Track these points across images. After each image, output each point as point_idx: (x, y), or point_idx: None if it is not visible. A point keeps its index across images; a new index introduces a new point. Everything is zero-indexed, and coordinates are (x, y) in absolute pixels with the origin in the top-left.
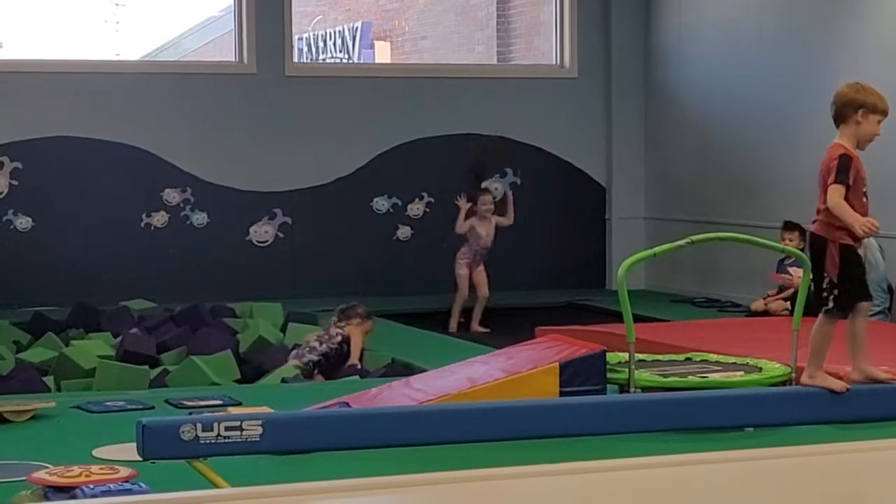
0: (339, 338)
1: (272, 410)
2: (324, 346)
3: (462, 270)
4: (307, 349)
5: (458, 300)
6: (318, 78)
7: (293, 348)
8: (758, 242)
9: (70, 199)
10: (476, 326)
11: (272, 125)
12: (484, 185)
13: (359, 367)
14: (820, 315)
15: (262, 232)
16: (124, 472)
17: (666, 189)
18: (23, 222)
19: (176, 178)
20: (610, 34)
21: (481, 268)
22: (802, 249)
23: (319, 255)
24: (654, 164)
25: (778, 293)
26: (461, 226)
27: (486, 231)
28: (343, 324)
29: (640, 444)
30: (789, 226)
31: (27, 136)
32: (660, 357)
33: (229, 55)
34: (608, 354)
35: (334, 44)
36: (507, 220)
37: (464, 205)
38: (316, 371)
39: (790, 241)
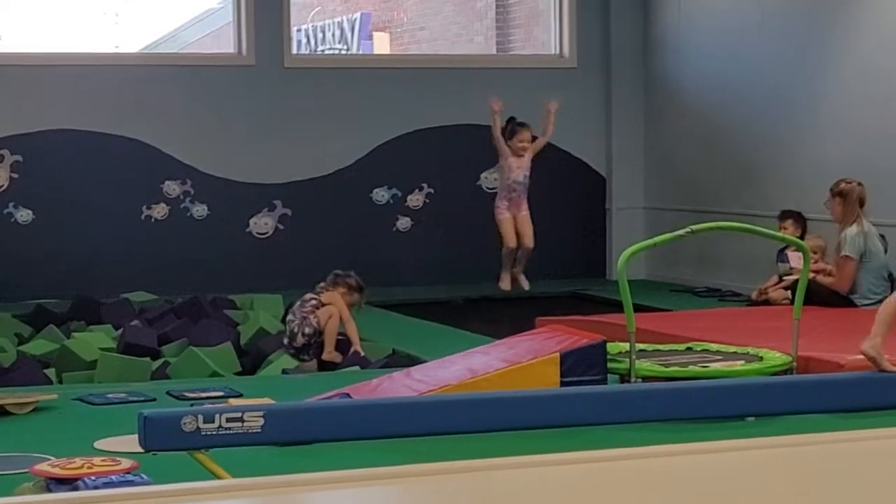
0: (314, 302)
1: (273, 402)
2: (303, 320)
3: (502, 215)
4: (291, 333)
5: (506, 251)
6: (318, 69)
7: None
8: (758, 231)
9: (70, 192)
10: (522, 280)
11: (271, 117)
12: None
13: (361, 354)
14: None
15: (262, 223)
16: (126, 463)
17: (666, 179)
18: (23, 215)
19: (176, 170)
20: (609, 24)
21: (525, 213)
22: (801, 238)
23: (319, 247)
24: (654, 153)
25: (778, 282)
26: (497, 131)
27: (517, 163)
28: (322, 289)
29: (641, 434)
30: (785, 214)
31: (27, 129)
32: (660, 347)
33: (228, 47)
34: (609, 344)
35: (333, 35)
36: (544, 138)
37: (497, 104)
38: (311, 354)
39: (785, 229)
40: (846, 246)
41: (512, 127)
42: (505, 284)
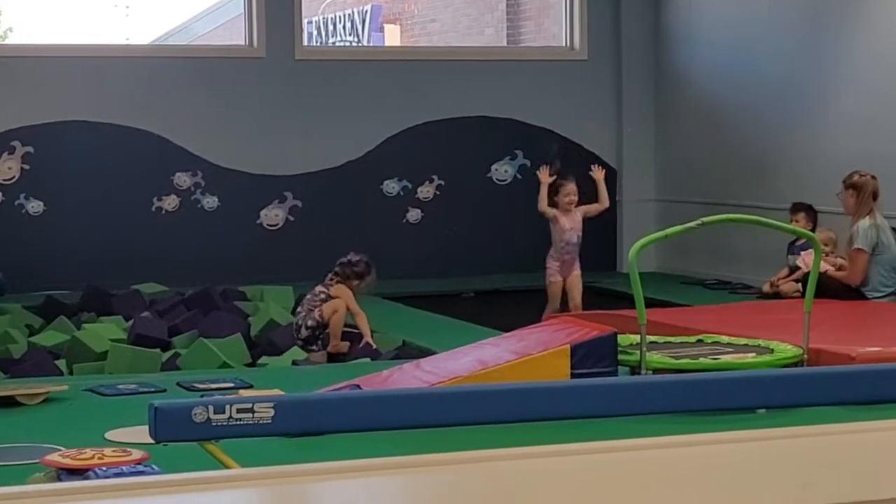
0: (322, 296)
1: (283, 393)
2: (309, 313)
3: (553, 277)
4: (297, 326)
5: (550, 311)
6: (328, 61)
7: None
8: (769, 224)
9: (82, 183)
10: None
11: (282, 109)
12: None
13: (373, 346)
14: None
15: (273, 215)
16: (136, 454)
17: (677, 171)
18: (35, 206)
19: (187, 162)
20: (620, 16)
21: (576, 272)
22: (812, 230)
23: (330, 238)
24: (665, 146)
25: (789, 275)
26: (543, 203)
27: (570, 223)
28: (331, 281)
29: (651, 426)
30: (797, 207)
31: (38, 120)
32: (671, 339)
33: (239, 39)
34: (619, 336)
35: (344, 27)
36: (601, 205)
37: (544, 176)
38: (319, 346)
39: (797, 222)
40: (858, 238)
41: (557, 183)
42: None
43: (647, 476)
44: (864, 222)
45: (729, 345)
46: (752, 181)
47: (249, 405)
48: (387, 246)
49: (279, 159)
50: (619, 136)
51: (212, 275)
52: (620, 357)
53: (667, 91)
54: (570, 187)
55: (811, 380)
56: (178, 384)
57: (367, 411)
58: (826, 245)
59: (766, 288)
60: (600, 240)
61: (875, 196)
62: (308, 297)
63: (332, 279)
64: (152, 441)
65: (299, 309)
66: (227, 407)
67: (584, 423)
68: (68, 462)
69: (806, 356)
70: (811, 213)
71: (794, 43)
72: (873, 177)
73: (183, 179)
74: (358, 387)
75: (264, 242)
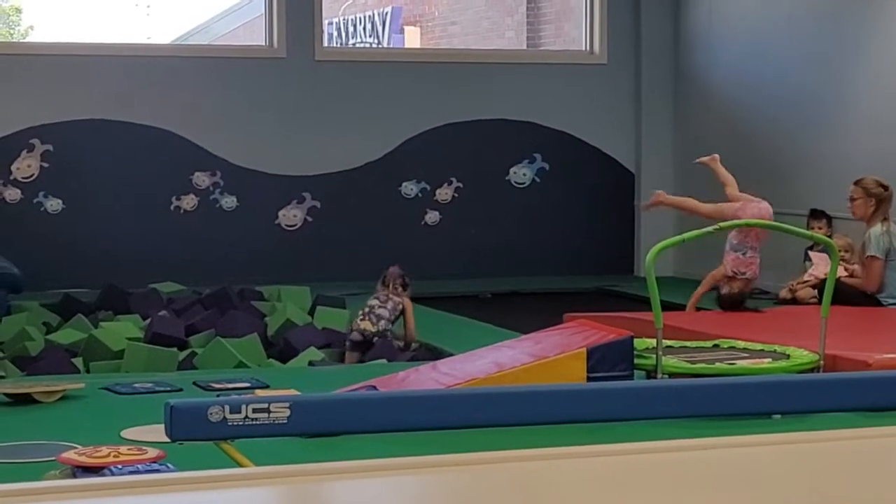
0: (401, 307)
1: (299, 393)
2: (388, 314)
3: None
4: (374, 316)
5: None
6: (348, 62)
7: (366, 311)
8: (786, 229)
9: (100, 182)
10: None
11: (301, 109)
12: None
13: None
14: None
15: (291, 216)
16: (152, 452)
17: (695, 175)
18: (53, 204)
19: (206, 162)
20: (640, 20)
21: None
22: (830, 237)
23: (348, 239)
24: (683, 149)
25: (806, 280)
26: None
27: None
28: (399, 292)
29: (666, 430)
30: (816, 214)
31: (58, 118)
32: (687, 343)
33: (259, 39)
34: (636, 340)
35: (364, 28)
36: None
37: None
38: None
39: (819, 229)
40: (871, 246)
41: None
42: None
43: (661, 479)
44: (877, 229)
45: (745, 350)
46: (770, 185)
47: (265, 405)
48: (404, 247)
49: (298, 160)
50: (638, 140)
51: (229, 274)
52: (637, 361)
53: (686, 95)
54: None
55: (827, 386)
56: (194, 383)
57: (383, 412)
58: (846, 251)
59: (783, 293)
60: (618, 243)
61: (889, 204)
62: (376, 304)
63: (395, 290)
64: (168, 440)
65: (379, 311)
66: (244, 406)
67: (599, 426)
68: (84, 460)
69: (822, 362)
70: (832, 220)
71: (814, 47)
72: (885, 187)
73: (202, 179)
74: (374, 387)
75: (282, 243)
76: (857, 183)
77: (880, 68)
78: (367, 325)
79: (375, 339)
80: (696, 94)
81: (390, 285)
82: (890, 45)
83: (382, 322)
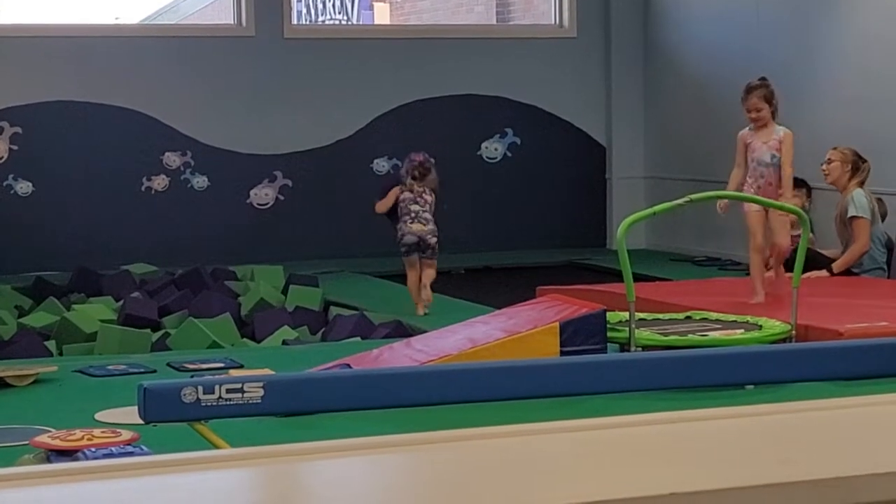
0: (433, 200)
1: (273, 372)
2: (429, 213)
3: (751, 207)
4: (422, 219)
5: (753, 251)
6: (318, 40)
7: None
8: (758, 200)
9: (70, 164)
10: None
11: (272, 88)
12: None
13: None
14: None
15: (263, 194)
16: (126, 435)
17: (666, 148)
18: (23, 187)
19: (176, 142)
20: None
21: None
22: (807, 208)
23: (320, 217)
24: (654, 123)
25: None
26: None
27: (759, 140)
28: (423, 187)
29: (640, 403)
30: (794, 183)
31: (27, 100)
32: (660, 316)
33: (228, 18)
34: (609, 314)
35: (333, 5)
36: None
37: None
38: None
39: (797, 197)
40: (855, 207)
41: (743, 96)
42: (759, 297)
43: (636, 452)
44: (859, 191)
45: (717, 321)
46: None
47: (239, 385)
48: (377, 224)
49: (269, 138)
50: (609, 114)
51: (202, 255)
52: (609, 334)
53: (656, 68)
54: (752, 100)
55: (799, 355)
56: (168, 364)
57: (357, 390)
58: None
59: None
60: (590, 216)
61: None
62: (417, 208)
63: (412, 183)
64: (142, 422)
65: (425, 216)
66: (217, 387)
67: (573, 400)
68: (58, 443)
69: (794, 332)
70: (811, 189)
71: (784, 21)
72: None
73: (172, 159)
74: (348, 366)
75: (254, 222)
76: (835, 148)
77: (851, 41)
78: (419, 227)
79: (429, 237)
80: (666, 67)
81: (418, 177)
82: (858, 18)
83: (430, 225)
